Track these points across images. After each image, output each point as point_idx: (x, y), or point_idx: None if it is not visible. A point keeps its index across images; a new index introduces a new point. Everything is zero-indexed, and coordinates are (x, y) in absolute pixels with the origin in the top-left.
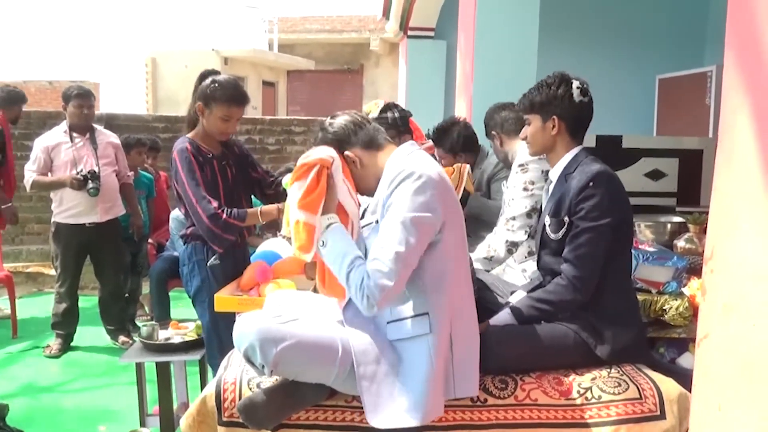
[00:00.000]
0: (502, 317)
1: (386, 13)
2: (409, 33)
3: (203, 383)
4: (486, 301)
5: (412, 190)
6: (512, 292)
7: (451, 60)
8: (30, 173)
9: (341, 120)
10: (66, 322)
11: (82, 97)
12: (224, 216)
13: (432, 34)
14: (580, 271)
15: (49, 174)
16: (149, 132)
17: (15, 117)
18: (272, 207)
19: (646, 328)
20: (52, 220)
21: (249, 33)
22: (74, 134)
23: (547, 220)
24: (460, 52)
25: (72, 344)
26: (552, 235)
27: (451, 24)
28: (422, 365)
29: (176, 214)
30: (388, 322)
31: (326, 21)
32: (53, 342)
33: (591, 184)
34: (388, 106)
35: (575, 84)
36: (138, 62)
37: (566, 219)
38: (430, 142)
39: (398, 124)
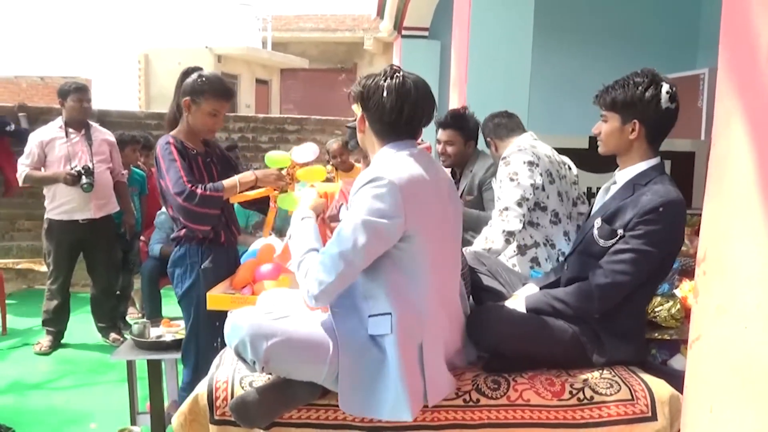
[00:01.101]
0: (515, 306)
1: (380, 13)
2: (404, 33)
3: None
4: (477, 284)
5: (372, 195)
6: (524, 283)
7: (445, 60)
8: (23, 167)
9: (374, 82)
10: (57, 319)
11: (80, 91)
12: (200, 191)
13: (426, 33)
14: (609, 286)
15: (43, 169)
16: (141, 129)
17: None
18: (249, 174)
19: (646, 346)
20: (45, 216)
21: (242, 31)
22: (70, 130)
23: (598, 222)
24: (454, 53)
25: (62, 341)
26: (600, 241)
27: (445, 24)
28: (392, 365)
29: (163, 210)
30: (369, 316)
31: (320, 20)
32: (43, 339)
33: (661, 209)
34: None
35: (665, 88)
36: (131, 59)
37: (620, 232)
38: (428, 143)
39: (431, 117)
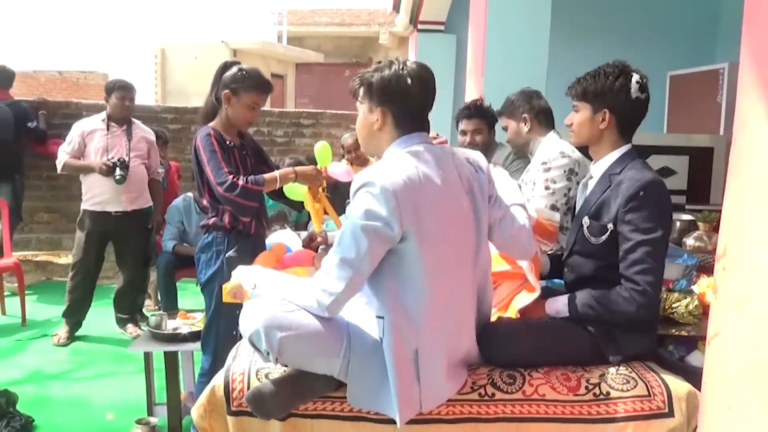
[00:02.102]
0: (558, 306)
1: (396, 7)
2: (419, 27)
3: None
4: None
5: (366, 199)
6: None
7: (461, 54)
8: (63, 154)
9: (392, 72)
10: (78, 309)
11: (124, 90)
12: (241, 183)
13: (442, 27)
14: (645, 288)
15: (82, 159)
16: (158, 123)
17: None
18: (289, 170)
19: (657, 337)
20: (81, 207)
21: (258, 25)
22: (112, 124)
23: (586, 221)
24: (470, 47)
25: (80, 332)
26: (592, 239)
27: (461, 18)
28: (389, 366)
29: (176, 202)
30: (376, 317)
31: (336, 14)
32: (61, 330)
33: (641, 193)
34: None
35: (635, 78)
36: (147, 53)
37: (610, 226)
38: (444, 137)
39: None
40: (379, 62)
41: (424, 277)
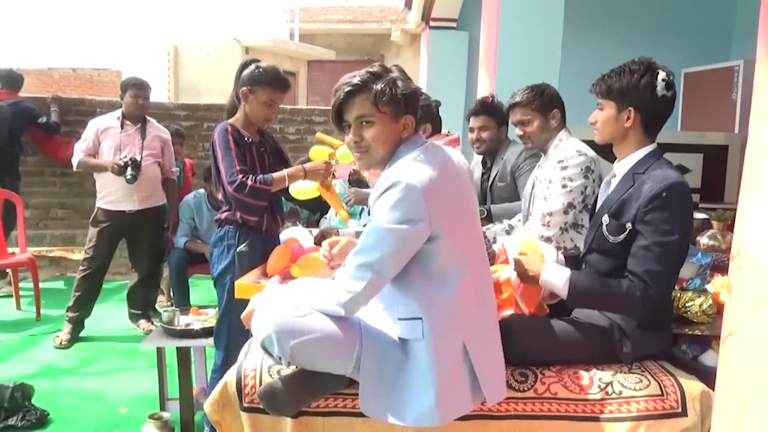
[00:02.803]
0: (555, 281)
1: (408, 4)
2: (431, 24)
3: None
4: None
5: (393, 201)
6: None
7: (473, 51)
8: (79, 152)
9: (403, 83)
10: (83, 305)
11: (138, 88)
12: (250, 182)
13: (454, 24)
14: (651, 288)
15: (96, 156)
16: (171, 120)
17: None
18: (298, 168)
19: (672, 336)
20: (96, 205)
21: (270, 22)
22: (126, 122)
23: (606, 219)
24: (482, 44)
25: (91, 328)
26: (610, 237)
27: (473, 15)
28: (423, 370)
29: (187, 199)
30: (398, 319)
31: (347, 11)
32: (63, 332)
33: (664, 194)
34: None
35: (661, 75)
36: (160, 51)
37: (629, 226)
38: (456, 134)
39: (418, 112)
40: (372, 71)
41: (459, 269)
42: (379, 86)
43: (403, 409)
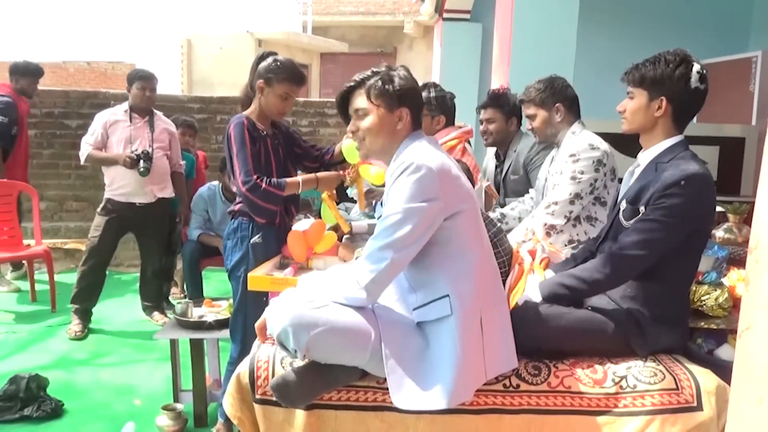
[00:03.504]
0: (531, 295)
1: None
2: (445, 15)
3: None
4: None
5: (410, 181)
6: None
7: (486, 43)
8: (87, 146)
9: (402, 77)
10: (87, 296)
11: (144, 80)
12: (264, 185)
13: (468, 16)
14: (623, 256)
15: (104, 150)
16: (184, 113)
17: (30, 91)
18: (312, 176)
19: (689, 332)
20: (105, 196)
21: (283, 15)
22: (134, 115)
23: (623, 205)
24: (496, 36)
25: (105, 320)
26: (624, 222)
27: (487, 6)
28: (448, 348)
29: (201, 191)
30: (414, 309)
31: (360, 3)
32: (73, 324)
33: (683, 183)
34: (426, 85)
35: (696, 68)
36: (173, 44)
37: (642, 209)
38: (469, 126)
39: (432, 104)
40: (375, 70)
41: (475, 243)
42: (372, 81)
43: (433, 393)
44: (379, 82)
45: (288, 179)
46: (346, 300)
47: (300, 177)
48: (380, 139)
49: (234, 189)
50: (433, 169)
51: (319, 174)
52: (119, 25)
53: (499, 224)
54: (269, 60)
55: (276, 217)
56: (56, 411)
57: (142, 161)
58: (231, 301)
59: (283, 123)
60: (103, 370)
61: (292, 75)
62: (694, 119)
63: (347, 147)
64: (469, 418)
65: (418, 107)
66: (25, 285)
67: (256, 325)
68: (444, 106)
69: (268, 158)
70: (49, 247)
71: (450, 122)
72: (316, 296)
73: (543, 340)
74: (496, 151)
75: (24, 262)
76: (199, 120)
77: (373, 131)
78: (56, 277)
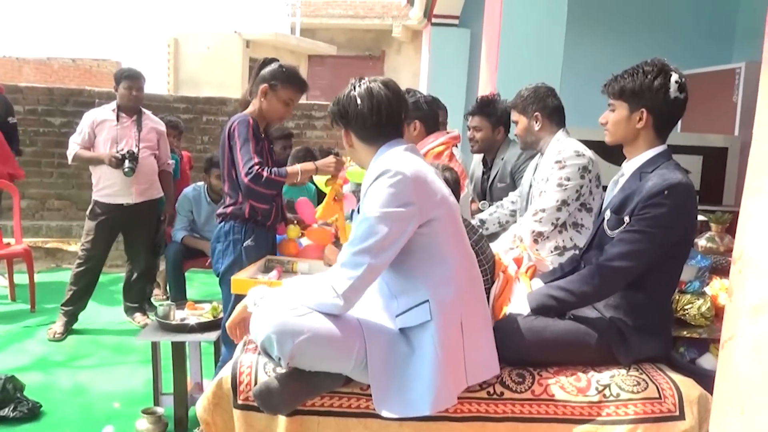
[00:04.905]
0: (520, 306)
1: (411, 0)
2: (433, 20)
3: (217, 364)
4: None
5: (385, 186)
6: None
7: (474, 49)
8: (74, 145)
9: (345, 96)
10: (79, 300)
11: (131, 79)
12: (265, 174)
13: (456, 22)
14: (610, 267)
15: (91, 149)
16: (170, 112)
17: None
18: (310, 164)
19: (672, 340)
20: (92, 198)
21: (271, 16)
22: (121, 114)
23: (608, 214)
24: (485, 41)
25: (86, 321)
26: (608, 231)
27: (476, 12)
28: (429, 354)
29: (186, 191)
30: (396, 315)
31: (349, 6)
32: (56, 324)
33: (666, 192)
34: (405, 92)
35: (674, 77)
36: (160, 43)
37: (626, 219)
38: (456, 131)
39: (407, 110)
40: (350, 82)
41: (453, 249)
42: (333, 109)
43: (416, 399)
44: (330, 115)
45: (289, 168)
46: (322, 308)
47: (299, 166)
48: (354, 151)
49: (226, 189)
50: (408, 175)
51: (318, 162)
52: (105, 22)
53: (480, 231)
54: (275, 65)
55: (270, 216)
56: (33, 412)
57: (127, 161)
58: (214, 303)
59: (269, 134)
60: (83, 372)
61: (296, 81)
62: (678, 128)
63: (351, 172)
64: (453, 425)
65: (366, 127)
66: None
67: (228, 324)
68: (418, 112)
69: (267, 159)
70: (29, 246)
71: (432, 127)
72: (297, 304)
73: (526, 353)
74: (484, 156)
75: (3, 260)
76: (185, 120)
77: (347, 146)
78: (36, 277)
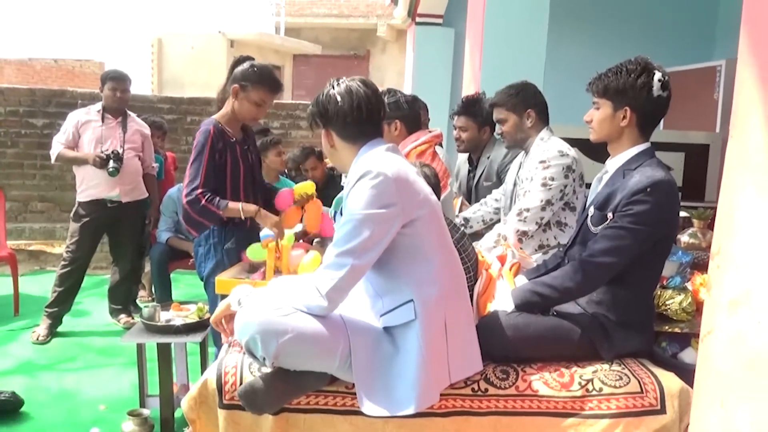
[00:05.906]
0: (505, 303)
1: None
2: (417, 20)
3: (203, 365)
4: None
5: (367, 187)
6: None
7: (458, 48)
8: (58, 145)
9: (324, 96)
10: (63, 302)
11: (116, 80)
12: (203, 201)
13: (440, 21)
14: (594, 263)
15: (76, 149)
16: (154, 113)
17: None
18: (253, 207)
19: (654, 336)
20: (76, 200)
21: (256, 16)
22: (107, 115)
23: (591, 210)
24: (468, 40)
25: (71, 323)
26: (592, 228)
27: (459, 12)
28: (414, 353)
29: (171, 192)
30: (381, 315)
31: (333, 5)
32: (40, 328)
33: (648, 189)
34: (385, 92)
35: (657, 76)
36: (144, 43)
37: (610, 215)
38: (438, 130)
39: (385, 109)
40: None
41: (436, 248)
42: (312, 110)
43: (401, 398)
44: (308, 116)
45: (231, 203)
46: (306, 308)
47: (241, 204)
48: (332, 153)
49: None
50: (390, 176)
51: (263, 210)
52: (88, 21)
53: (462, 229)
54: (246, 65)
55: (247, 219)
56: (15, 404)
57: (111, 161)
58: (200, 305)
59: (252, 133)
60: (68, 374)
61: (268, 82)
62: (661, 126)
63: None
64: (437, 421)
65: (347, 124)
66: None
67: (212, 319)
68: (398, 111)
69: (235, 165)
70: (13, 250)
71: (414, 126)
72: (281, 303)
73: (510, 350)
74: (469, 155)
75: None
76: (169, 121)
77: (325, 148)
78: (20, 280)
